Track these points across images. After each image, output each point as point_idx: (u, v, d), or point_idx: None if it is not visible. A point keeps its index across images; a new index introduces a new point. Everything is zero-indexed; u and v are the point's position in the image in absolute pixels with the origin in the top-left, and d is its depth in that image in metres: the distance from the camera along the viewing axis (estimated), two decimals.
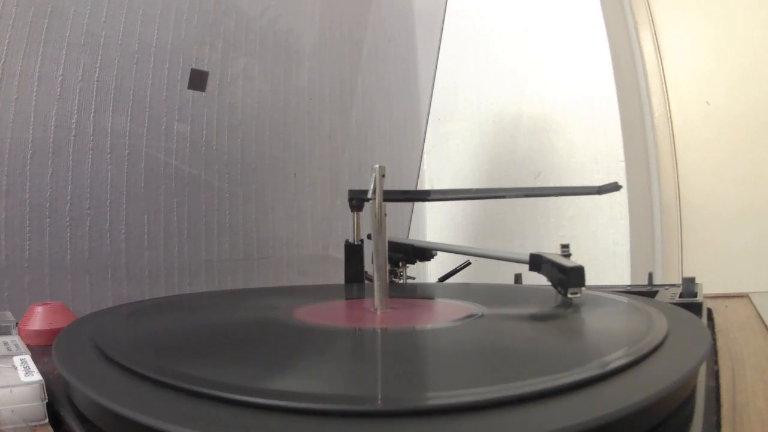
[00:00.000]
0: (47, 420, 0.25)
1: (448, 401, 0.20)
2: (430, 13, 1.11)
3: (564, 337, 0.33)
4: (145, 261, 0.67)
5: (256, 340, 0.33)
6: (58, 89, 0.60)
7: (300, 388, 0.24)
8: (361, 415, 0.19)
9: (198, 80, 0.71)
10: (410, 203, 1.01)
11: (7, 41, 0.56)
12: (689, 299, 0.44)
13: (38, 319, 0.39)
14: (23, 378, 0.26)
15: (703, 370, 0.27)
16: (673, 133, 1.14)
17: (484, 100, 1.15)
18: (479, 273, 0.66)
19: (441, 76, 1.12)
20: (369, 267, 0.59)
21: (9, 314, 0.40)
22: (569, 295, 0.40)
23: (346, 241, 0.61)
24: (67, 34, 0.60)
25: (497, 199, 1.06)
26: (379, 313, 0.40)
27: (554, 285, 0.42)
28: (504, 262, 0.50)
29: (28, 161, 0.58)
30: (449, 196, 0.85)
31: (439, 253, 0.59)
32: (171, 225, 0.69)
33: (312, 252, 0.86)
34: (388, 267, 0.42)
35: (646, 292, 0.50)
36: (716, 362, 0.32)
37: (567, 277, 0.40)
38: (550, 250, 0.46)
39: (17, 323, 0.39)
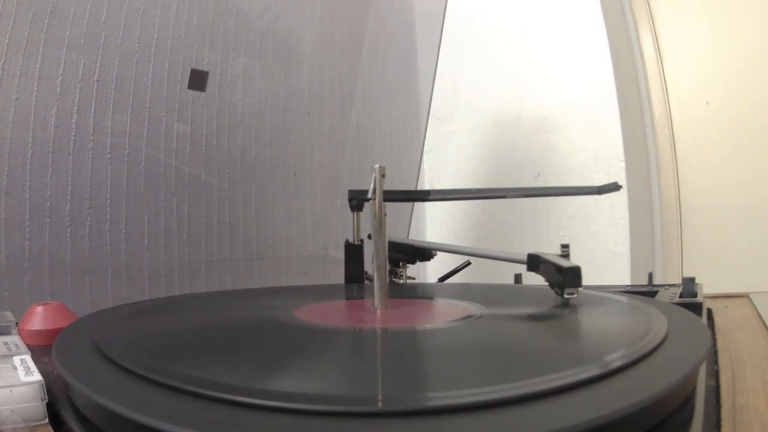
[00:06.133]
0: (47, 420, 0.25)
1: (448, 401, 0.20)
2: (430, 13, 1.11)
3: (564, 337, 0.33)
4: (145, 261, 0.67)
5: (256, 340, 0.33)
6: (58, 89, 0.60)
7: (300, 389, 0.24)
8: (362, 415, 0.19)
9: (198, 80, 0.71)
10: (410, 203, 1.01)
11: (7, 41, 0.56)
12: (689, 299, 0.44)
13: (38, 319, 0.39)
14: (23, 378, 0.26)
15: (703, 370, 0.27)
16: (673, 133, 1.14)
17: (484, 100, 1.15)
18: (479, 273, 0.66)
19: (441, 76, 1.12)
20: (369, 267, 0.59)
21: (9, 314, 0.40)
22: (566, 296, 0.40)
23: (346, 241, 0.61)
24: (67, 34, 0.60)
25: (497, 199, 1.06)
26: (379, 313, 0.40)
27: (551, 285, 0.42)
28: (504, 262, 0.50)
29: (28, 161, 0.58)
30: (449, 196, 0.84)
31: (439, 253, 0.59)
32: (171, 225, 0.69)
33: (312, 252, 0.86)
34: (388, 267, 0.42)
35: (646, 292, 0.50)
36: (716, 362, 0.32)
37: (564, 278, 0.40)
38: (551, 250, 0.46)
39: (17, 323, 0.39)
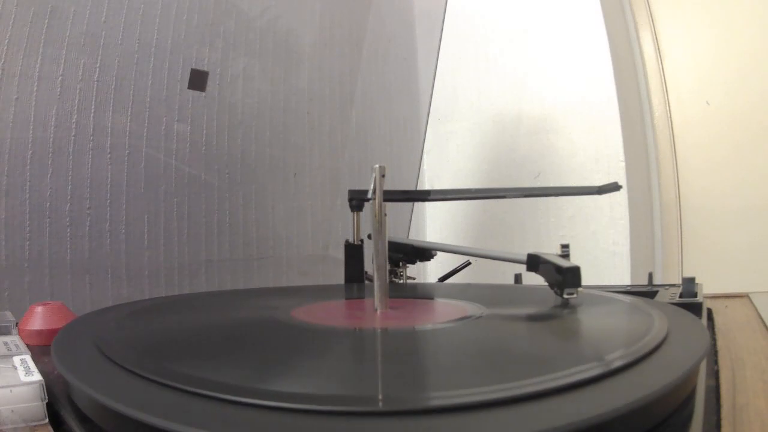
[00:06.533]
0: (47, 420, 0.25)
1: (448, 401, 0.20)
2: (430, 13, 1.11)
3: (564, 337, 0.33)
4: (145, 261, 0.67)
5: (256, 340, 0.33)
6: (58, 89, 0.60)
7: (300, 389, 0.24)
8: (362, 415, 0.19)
9: (198, 80, 0.71)
10: (410, 203, 1.01)
11: (7, 41, 0.56)
12: (689, 299, 0.44)
13: (38, 319, 0.39)
14: (23, 378, 0.26)
15: (703, 370, 0.27)
16: (673, 133, 1.14)
17: (484, 100, 1.15)
18: (479, 273, 0.66)
19: (441, 76, 1.12)
20: (369, 267, 0.59)
21: (9, 314, 0.40)
22: (565, 296, 0.40)
23: (346, 241, 0.61)
24: (67, 34, 0.60)
25: (497, 199, 1.06)
26: (379, 313, 0.40)
27: (551, 285, 0.42)
28: (504, 262, 0.50)
29: (28, 161, 0.58)
30: (449, 196, 0.85)
31: (439, 253, 0.59)
32: (171, 225, 0.69)
33: (312, 252, 0.86)
34: (388, 267, 0.42)
35: (646, 292, 0.50)
36: (716, 362, 0.32)
37: (563, 278, 0.40)
38: (551, 250, 0.46)
39: (17, 323, 0.39)
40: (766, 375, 0.30)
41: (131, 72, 0.65)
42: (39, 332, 0.38)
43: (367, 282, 0.60)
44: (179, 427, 0.18)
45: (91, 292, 0.62)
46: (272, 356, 0.28)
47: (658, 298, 0.46)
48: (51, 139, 0.59)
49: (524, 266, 0.46)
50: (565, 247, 0.47)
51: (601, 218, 1.01)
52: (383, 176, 0.41)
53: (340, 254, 0.61)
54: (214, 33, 0.74)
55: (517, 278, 0.61)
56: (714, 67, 1.11)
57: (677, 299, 0.45)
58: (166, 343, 0.32)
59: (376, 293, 0.40)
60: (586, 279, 0.40)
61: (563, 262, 0.41)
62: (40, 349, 0.35)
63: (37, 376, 0.26)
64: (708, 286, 0.50)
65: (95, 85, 0.62)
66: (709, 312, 0.47)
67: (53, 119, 0.59)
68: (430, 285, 0.61)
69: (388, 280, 0.41)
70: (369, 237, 0.49)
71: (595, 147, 1.02)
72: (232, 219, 0.76)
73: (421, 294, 0.52)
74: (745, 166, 1.07)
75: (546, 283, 0.43)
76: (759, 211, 1.05)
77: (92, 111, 0.62)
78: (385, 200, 0.41)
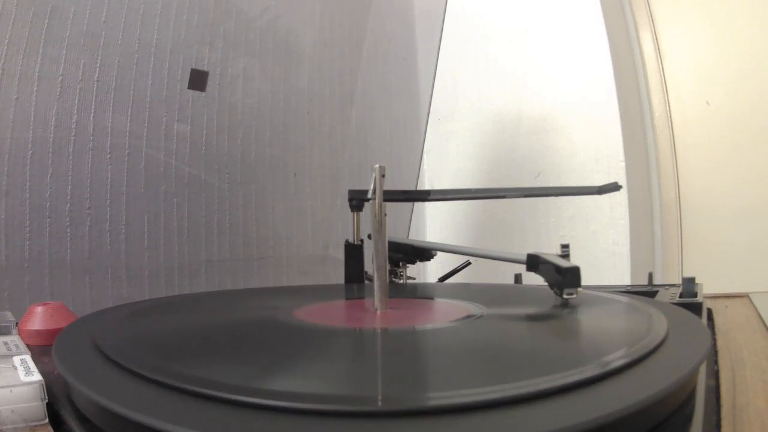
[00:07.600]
0: (47, 420, 0.25)
1: (447, 401, 0.20)
2: (430, 13, 1.11)
3: (564, 337, 0.33)
4: (145, 261, 0.67)
5: (256, 340, 0.33)
6: (58, 89, 0.60)
7: (300, 388, 0.24)
8: (361, 415, 0.19)
9: (198, 80, 0.71)
10: (410, 203, 1.01)
11: (7, 41, 0.56)
12: (689, 299, 0.44)
13: (38, 319, 0.39)
14: (23, 378, 0.26)
15: (703, 370, 0.27)
16: (673, 133, 1.14)
17: (484, 100, 1.15)
18: (479, 273, 0.66)
19: (441, 76, 1.12)
20: (369, 267, 0.59)
21: (9, 314, 0.40)
22: (565, 296, 0.40)
23: (346, 241, 0.61)
24: (67, 34, 0.60)
25: (497, 199, 1.06)
26: (379, 313, 0.40)
27: (550, 285, 0.42)
28: (504, 262, 0.50)
29: (28, 161, 0.58)
30: (449, 196, 0.85)
31: (439, 253, 0.59)
32: (171, 225, 0.69)
33: (312, 252, 0.86)
34: (388, 267, 0.42)
35: (646, 292, 0.50)
36: (716, 362, 0.32)
37: (562, 278, 0.40)
38: (551, 250, 0.46)
39: (17, 323, 0.39)
40: (766, 375, 0.30)
41: (131, 72, 0.65)
42: (39, 332, 0.38)
43: (367, 282, 0.60)
44: (179, 428, 0.18)
45: (91, 292, 0.62)
46: (272, 356, 0.28)
47: (658, 298, 0.46)
48: (51, 139, 0.59)
49: (524, 266, 0.46)
50: (565, 247, 0.47)
51: (601, 218, 1.01)
52: (383, 176, 0.41)
53: (340, 254, 0.61)
54: (214, 33, 0.74)
55: (517, 278, 0.61)
56: (714, 67, 1.11)
57: (677, 299, 0.45)
58: (166, 343, 0.32)
59: (376, 293, 0.40)
60: (586, 279, 0.40)
61: (563, 262, 0.41)
62: (40, 349, 0.35)
63: (37, 376, 0.26)
64: (708, 286, 0.50)
65: (95, 85, 0.62)
66: (709, 312, 0.47)
67: (53, 119, 0.59)
68: (430, 285, 0.61)
69: (388, 280, 0.41)
70: (369, 237, 0.49)
71: (595, 147, 1.02)
72: (232, 219, 0.76)
73: (421, 294, 0.52)
74: (745, 166, 1.07)
75: (546, 283, 0.43)
76: (759, 211, 1.05)
77: (92, 111, 0.62)
78: (385, 200, 0.41)
